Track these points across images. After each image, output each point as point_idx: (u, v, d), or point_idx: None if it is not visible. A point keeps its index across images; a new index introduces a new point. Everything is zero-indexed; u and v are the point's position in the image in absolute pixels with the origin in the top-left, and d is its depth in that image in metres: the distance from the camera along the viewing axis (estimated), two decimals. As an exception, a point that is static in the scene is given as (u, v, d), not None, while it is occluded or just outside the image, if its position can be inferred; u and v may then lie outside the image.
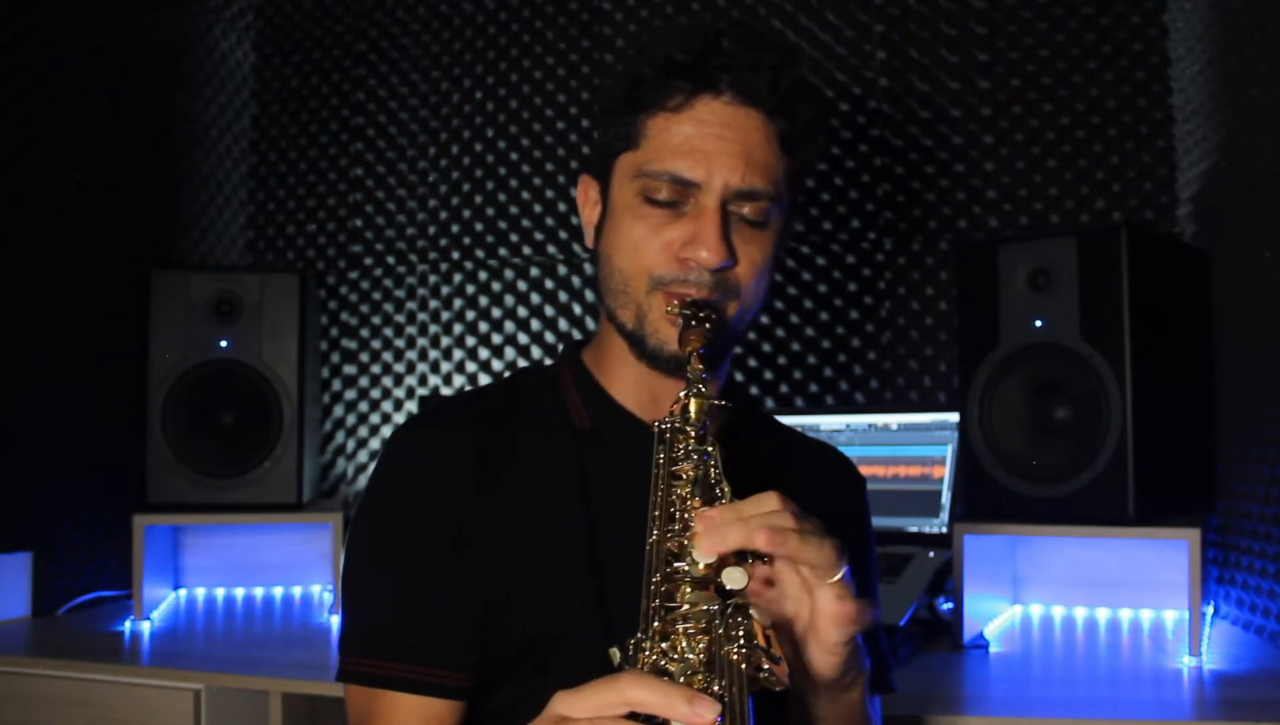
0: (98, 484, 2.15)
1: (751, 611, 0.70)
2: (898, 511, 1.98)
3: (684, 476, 0.82)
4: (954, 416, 1.95)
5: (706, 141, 0.93)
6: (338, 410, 2.59)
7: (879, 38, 2.29)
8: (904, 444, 2.04)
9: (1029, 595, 1.95)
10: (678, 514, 0.80)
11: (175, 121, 2.47)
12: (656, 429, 0.86)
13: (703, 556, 0.74)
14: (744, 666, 0.67)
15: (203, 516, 2.05)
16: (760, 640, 0.69)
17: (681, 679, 0.68)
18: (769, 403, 2.33)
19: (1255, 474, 1.72)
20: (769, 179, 0.95)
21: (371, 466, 2.16)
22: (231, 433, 2.07)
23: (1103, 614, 1.88)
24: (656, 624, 0.72)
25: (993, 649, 1.71)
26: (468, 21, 2.57)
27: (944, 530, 1.93)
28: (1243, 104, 1.79)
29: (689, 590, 0.74)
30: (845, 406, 2.26)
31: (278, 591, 2.24)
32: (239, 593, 2.23)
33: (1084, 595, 1.90)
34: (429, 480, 0.98)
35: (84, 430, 2.13)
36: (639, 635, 0.72)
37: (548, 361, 2.11)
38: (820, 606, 0.76)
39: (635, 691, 0.63)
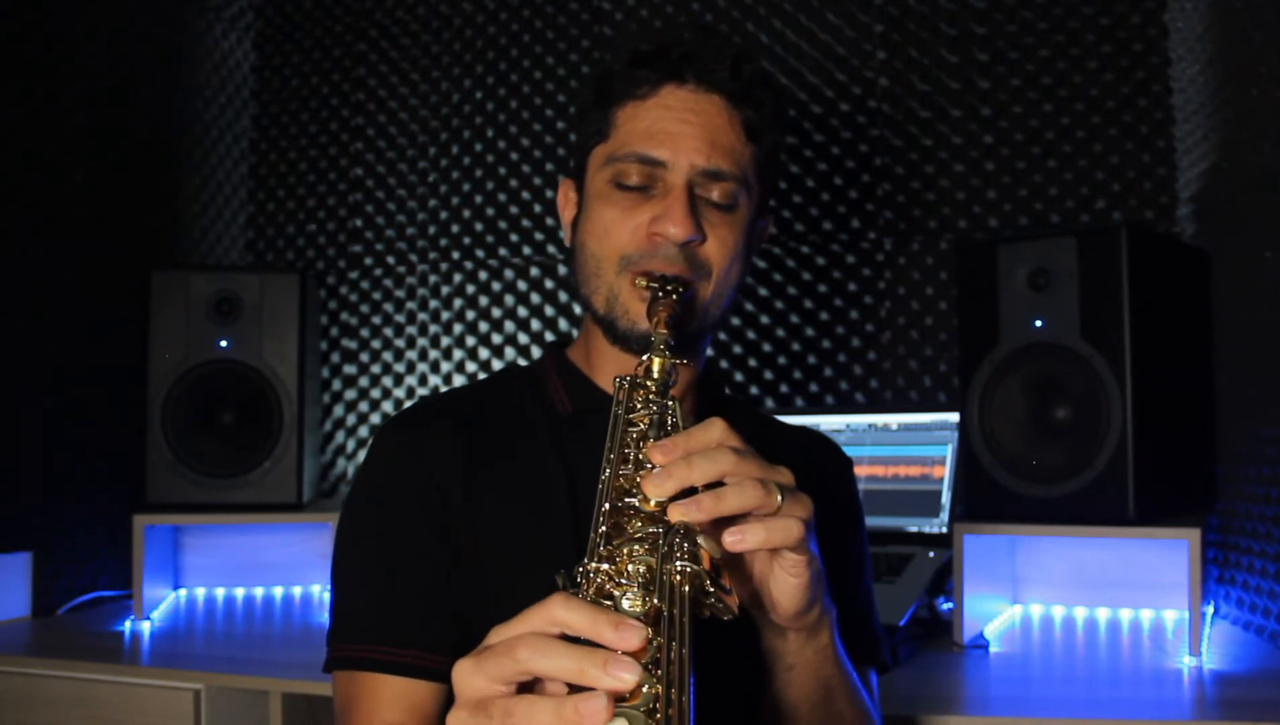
0: (98, 484, 2.15)
1: (700, 539, 0.70)
2: (898, 511, 1.98)
3: (641, 424, 0.83)
4: (954, 416, 1.95)
5: (672, 124, 0.97)
6: (338, 410, 2.59)
7: (879, 38, 2.29)
8: (904, 444, 2.04)
9: (1029, 595, 1.95)
10: (631, 455, 0.80)
11: (175, 121, 2.47)
12: (617, 382, 0.88)
13: (653, 495, 0.74)
14: (686, 588, 0.66)
15: (203, 516, 2.05)
16: (706, 565, 0.68)
17: (624, 599, 0.67)
18: (769, 403, 2.33)
19: (1255, 474, 1.72)
20: (734, 161, 0.98)
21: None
22: (231, 433, 2.07)
23: (1103, 614, 1.88)
24: (603, 550, 0.72)
25: (993, 649, 1.71)
26: (468, 21, 2.57)
27: (944, 530, 1.93)
28: (1243, 104, 1.79)
29: (639, 523, 0.74)
30: (845, 406, 2.26)
31: (278, 591, 2.24)
32: (239, 593, 2.23)
33: (1084, 595, 1.90)
34: (412, 472, 1.00)
35: (84, 430, 2.13)
36: (585, 561, 0.71)
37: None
38: (771, 527, 0.75)
39: (564, 612, 0.62)
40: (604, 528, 0.74)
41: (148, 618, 2.00)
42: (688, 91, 0.98)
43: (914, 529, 1.97)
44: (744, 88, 0.99)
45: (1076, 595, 1.91)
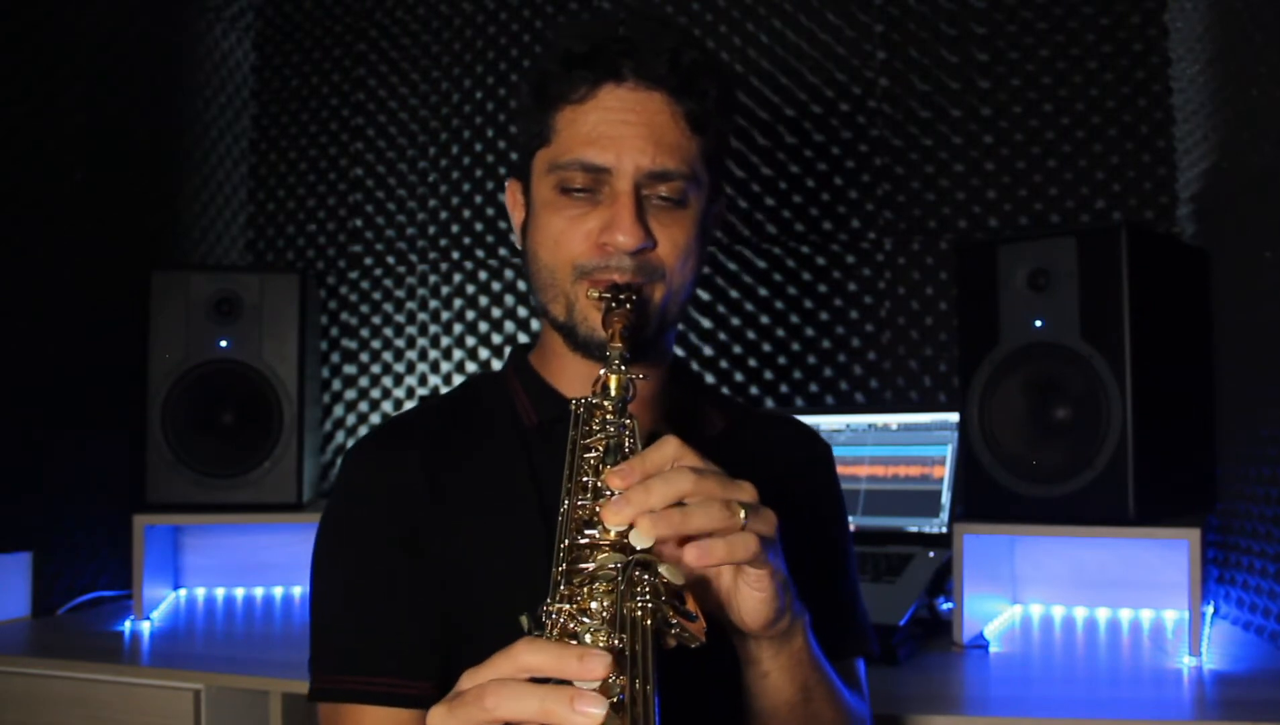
0: (98, 484, 2.15)
1: (661, 569, 0.70)
2: (898, 511, 1.98)
3: (597, 448, 0.81)
4: (954, 416, 1.95)
5: (613, 127, 0.94)
6: (338, 410, 2.59)
7: (879, 38, 2.29)
8: (904, 444, 2.04)
9: (1029, 595, 1.95)
10: (590, 483, 0.79)
11: (175, 121, 2.47)
12: (573, 407, 0.86)
13: (611, 524, 0.73)
14: (648, 622, 0.67)
15: (203, 516, 2.05)
16: (667, 594, 0.69)
17: (588, 637, 0.68)
18: (769, 403, 2.33)
19: (1255, 474, 1.72)
20: (680, 158, 0.96)
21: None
22: (231, 433, 2.07)
23: (1103, 614, 1.88)
24: (564, 588, 0.72)
25: (993, 649, 1.71)
26: (468, 21, 2.57)
27: (944, 530, 1.93)
28: (1243, 104, 1.79)
29: (600, 555, 0.73)
30: (845, 406, 2.26)
31: (278, 591, 2.24)
32: (239, 593, 2.23)
33: (1084, 595, 1.90)
34: (381, 494, 0.99)
35: (84, 430, 2.13)
36: (548, 600, 0.71)
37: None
38: (733, 542, 0.74)
39: (529, 657, 0.63)
40: (565, 564, 0.74)
41: (148, 618, 2.00)
42: (627, 90, 0.95)
43: (914, 529, 1.97)
44: (684, 80, 0.95)
45: (1076, 595, 1.91)
